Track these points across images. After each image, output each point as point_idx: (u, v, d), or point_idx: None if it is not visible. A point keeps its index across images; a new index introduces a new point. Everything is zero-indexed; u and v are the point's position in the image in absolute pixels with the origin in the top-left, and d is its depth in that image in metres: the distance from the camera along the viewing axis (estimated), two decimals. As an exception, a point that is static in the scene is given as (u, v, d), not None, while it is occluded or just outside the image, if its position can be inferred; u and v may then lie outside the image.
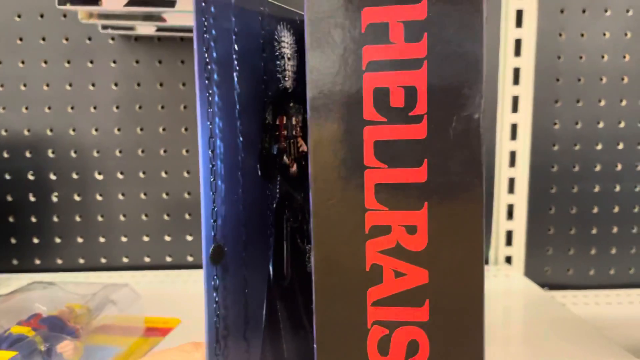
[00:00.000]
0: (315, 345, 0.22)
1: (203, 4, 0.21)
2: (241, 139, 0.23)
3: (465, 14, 0.20)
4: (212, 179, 0.22)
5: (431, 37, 0.20)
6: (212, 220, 0.22)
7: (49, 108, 0.67)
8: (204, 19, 0.21)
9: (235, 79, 0.23)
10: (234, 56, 0.23)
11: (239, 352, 0.24)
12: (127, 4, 0.49)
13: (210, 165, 0.22)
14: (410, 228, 0.21)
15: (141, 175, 0.68)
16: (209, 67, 0.21)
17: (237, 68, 0.23)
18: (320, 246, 0.22)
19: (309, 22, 0.21)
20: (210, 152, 0.22)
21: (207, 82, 0.21)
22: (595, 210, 0.69)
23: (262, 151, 0.25)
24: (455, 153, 0.20)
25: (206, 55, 0.21)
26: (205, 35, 0.21)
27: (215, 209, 0.22)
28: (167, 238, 0.69)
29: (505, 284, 0.63)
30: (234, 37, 0.23)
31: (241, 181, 0.24)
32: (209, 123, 0.21)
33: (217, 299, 0.22)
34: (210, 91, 0.22)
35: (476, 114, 0.20)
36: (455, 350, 0.21)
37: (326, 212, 0.21)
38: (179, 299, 0.58)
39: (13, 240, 0.69)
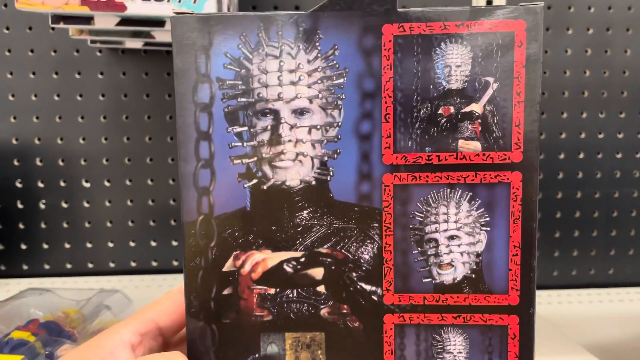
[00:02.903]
0: None
1: None
2: None
3: None
4: None
5: None
6: None
7: (37, 118, 0.69)
8: None
9: None
10: None
11: None
12: (119, 24, 0.51)
13: None
14: None
15: (127, 182, 0.70)
16: None
17: None
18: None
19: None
20: None
21: None
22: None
23: None
24: None
25: None
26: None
27: None
28: (153, 243, 0.71)
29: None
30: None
31: None
32: None
33: None
34: None
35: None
36: None
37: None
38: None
39: (1, 247, 0.70)
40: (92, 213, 0.70)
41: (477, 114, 0.28)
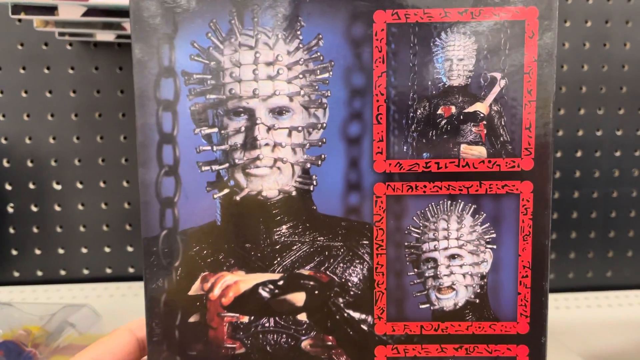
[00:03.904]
0: None
1: None
2: None
3: None
4: None
5: None
6: None
7: (4, 116, 0.65)
8: None
9: None
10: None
11: None
12: (85, 14, 0.47)
13: None
14: None
15: (102, 184, 0.66)
16: None
17: None
18: None
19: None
20: None
21: None
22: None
23: None
24: None
25: None
26: None
27: None
28: (130, 249, 0.67)
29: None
30: None
31: None
32: None
33: None
34: None
35: None
36: None
37: None
38: (141, 314, 0.57)
39: (-34, 253, 0.66)
40: (64, 217, 0.67)
41: (482, 115, 0.25)
